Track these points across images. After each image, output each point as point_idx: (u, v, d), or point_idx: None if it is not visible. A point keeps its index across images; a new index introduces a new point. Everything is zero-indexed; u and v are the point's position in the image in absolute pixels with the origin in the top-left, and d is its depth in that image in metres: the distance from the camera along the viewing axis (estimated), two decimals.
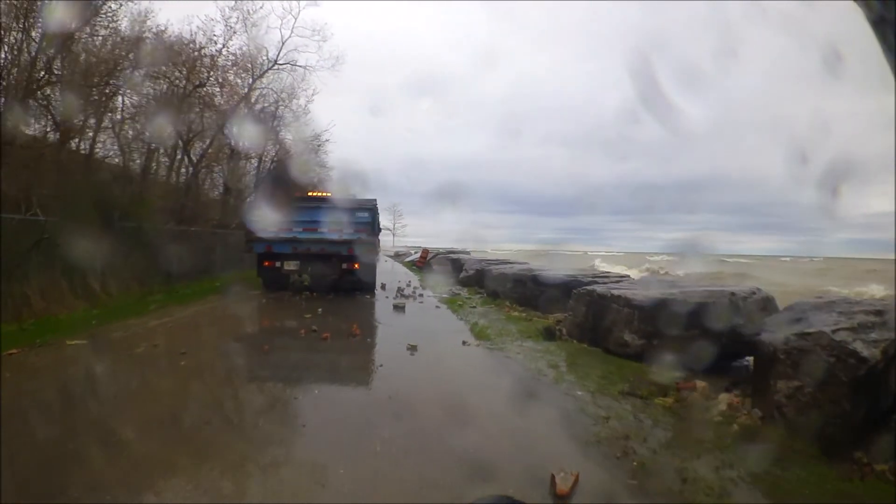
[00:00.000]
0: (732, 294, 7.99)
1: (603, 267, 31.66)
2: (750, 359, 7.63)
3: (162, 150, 19.84)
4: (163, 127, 17.86)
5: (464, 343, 9.14)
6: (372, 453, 4.40)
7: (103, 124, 16.17)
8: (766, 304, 8.22)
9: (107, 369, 7.08)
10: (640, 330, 8.11)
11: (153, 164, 19.79)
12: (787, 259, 66.80)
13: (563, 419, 5.42)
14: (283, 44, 22.31)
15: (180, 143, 19.75)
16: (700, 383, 6.82)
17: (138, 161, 18.57)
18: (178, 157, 20.63)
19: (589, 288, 9.66)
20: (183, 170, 21.07)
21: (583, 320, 9.42)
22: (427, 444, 4.63)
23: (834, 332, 5.27)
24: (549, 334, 9.77)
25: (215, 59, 20.15)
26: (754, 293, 8.23)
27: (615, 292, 8.79)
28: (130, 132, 17.63)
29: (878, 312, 5.67)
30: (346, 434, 4.84)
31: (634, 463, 4.45)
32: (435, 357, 8.22)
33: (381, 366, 7.56)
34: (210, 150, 21.36)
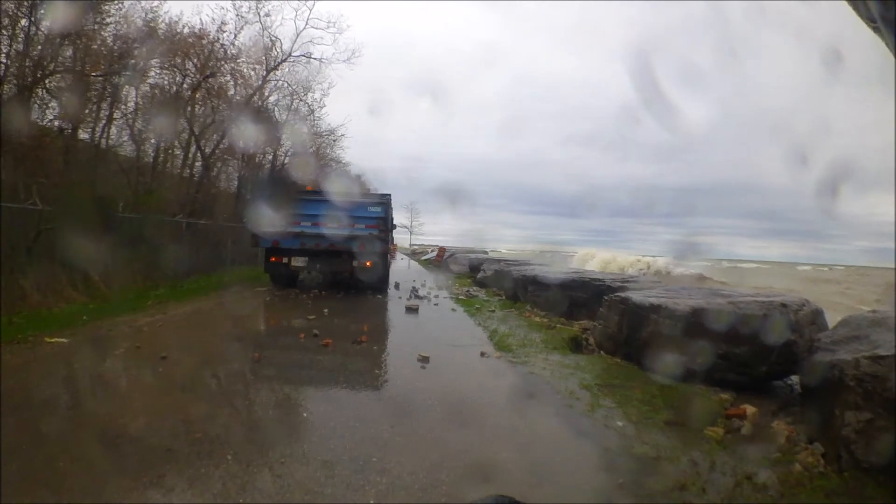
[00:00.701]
0: (783, 306, 7.21)
1: (574, 265, 30.70)
2: (794, 378, 6.98)
3: (176, 143, 19.46)
4: (173, 118, 17.46)
5: (482, 354, 8.36)
6: None
7: (115, 115, 15.76)
8: (816, 318, 7.44)
9: (72, 374, 6.64)
10: (684, 345, 7.34)
11: (165, 157, 19.42)
12: (808, 267, 65.42)
13: (606, 462, 4.62)
14: (297, 35, 21.66)
15: (193, 135, 19.33)
16: (750, 409, 6.12)
17: (152, 153, 18.20)
18: (193, 149, 20.23)
19: (623, 295, 8.81)
20: (198, 163, 20.64)
21: (615, 331, 8.62)
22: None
23: None
24: (577, 346, 9.05)
25: (227, 48, 19.67)
26: (804, 305, 7.43)
27: (654, 301, 7.96)
28: (141, 123, 17.20)
29: None
30: (335, 484, 3.91)
31: None
32: (449, 372, 7.43)
33: (387, 382, 6.86)
34: (223, 143, 20.94)
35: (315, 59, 22.42)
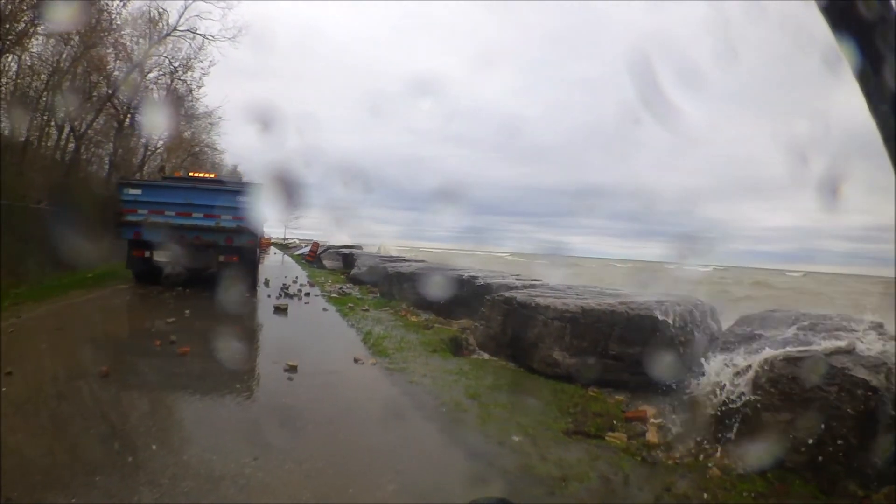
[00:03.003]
0: (677, 305, 6.94)
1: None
2: None
3: (53, 122, 17.59)
4: (50, 92, 15.99)
5: (356, 361, 7.43)
6: None
7: None
8: (712, 317, 7.27)
9: None
10: (574, 346, 6.86)
11: (41, 136, 17.34)
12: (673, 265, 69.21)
13: (508, 489, 3.84)
14: (185, 7, 20.34)
15: (69, 113, 17.43)
16: (649, 410, 5.76)
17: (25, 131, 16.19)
18: (67, 129, 18.31)
19: (507, 295, 8.26)
20: (71, 144, 18.78)
21: (499, 332, 8.04)
22: None
23: (828, 355, 4.37)
24: (457, 347, 8.40)
25: (113, 17, 17.96)
26: (698, 304, 7.23)
27: (541, 301, 7.45)
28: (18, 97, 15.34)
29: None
30: None
31: None
32: (319, 384, 6.43)
33: (249, 399, 5.84)
34: (97, 122, 19.25)
35: (200, 34, 21.11)
